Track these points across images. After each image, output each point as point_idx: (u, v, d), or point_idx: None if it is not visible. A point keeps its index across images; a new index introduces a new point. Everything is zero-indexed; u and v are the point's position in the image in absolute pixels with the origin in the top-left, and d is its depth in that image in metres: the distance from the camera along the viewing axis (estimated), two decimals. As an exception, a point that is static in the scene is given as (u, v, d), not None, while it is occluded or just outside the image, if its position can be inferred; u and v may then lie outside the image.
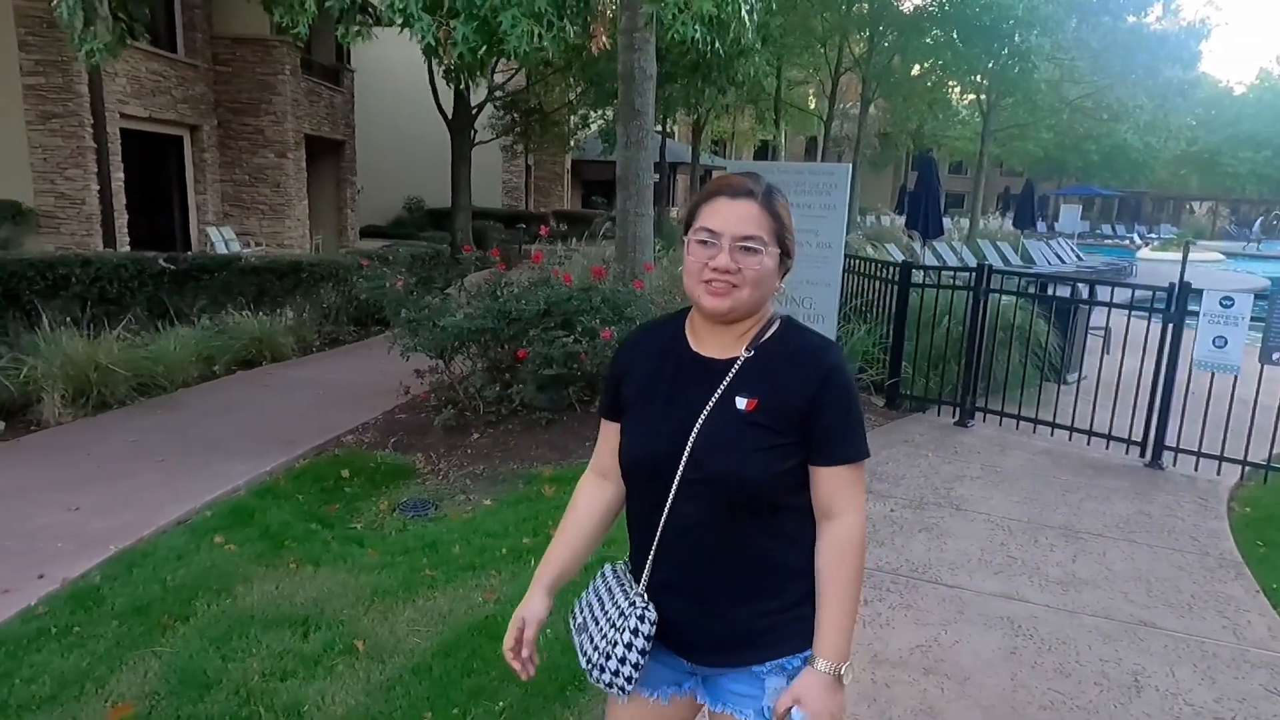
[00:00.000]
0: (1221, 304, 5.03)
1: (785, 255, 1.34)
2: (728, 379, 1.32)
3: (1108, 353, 7.20)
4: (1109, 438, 5.39)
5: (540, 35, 2.95)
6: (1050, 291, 6.81)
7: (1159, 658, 2.92)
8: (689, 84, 11.18)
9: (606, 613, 1.36)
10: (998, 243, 19.23)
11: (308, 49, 16.52)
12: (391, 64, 19.63)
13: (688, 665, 1.39)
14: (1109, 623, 3.16)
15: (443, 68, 8.83)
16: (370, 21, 4.15)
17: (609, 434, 1.46)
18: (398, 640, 2.84)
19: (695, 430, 1.30)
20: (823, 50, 19.92)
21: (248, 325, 7.64)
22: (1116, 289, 6.06)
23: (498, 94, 18.37)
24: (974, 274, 6.13)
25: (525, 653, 1.39)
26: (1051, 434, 5.64)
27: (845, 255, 7.07)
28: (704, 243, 1.30)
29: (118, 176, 12.53)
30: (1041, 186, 41.49)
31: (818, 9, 17.31)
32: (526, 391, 5.32)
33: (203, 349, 6.95)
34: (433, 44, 3.04)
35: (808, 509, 1.35)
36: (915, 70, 20.72)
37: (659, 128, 20.97)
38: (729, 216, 1.29)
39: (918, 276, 6.56)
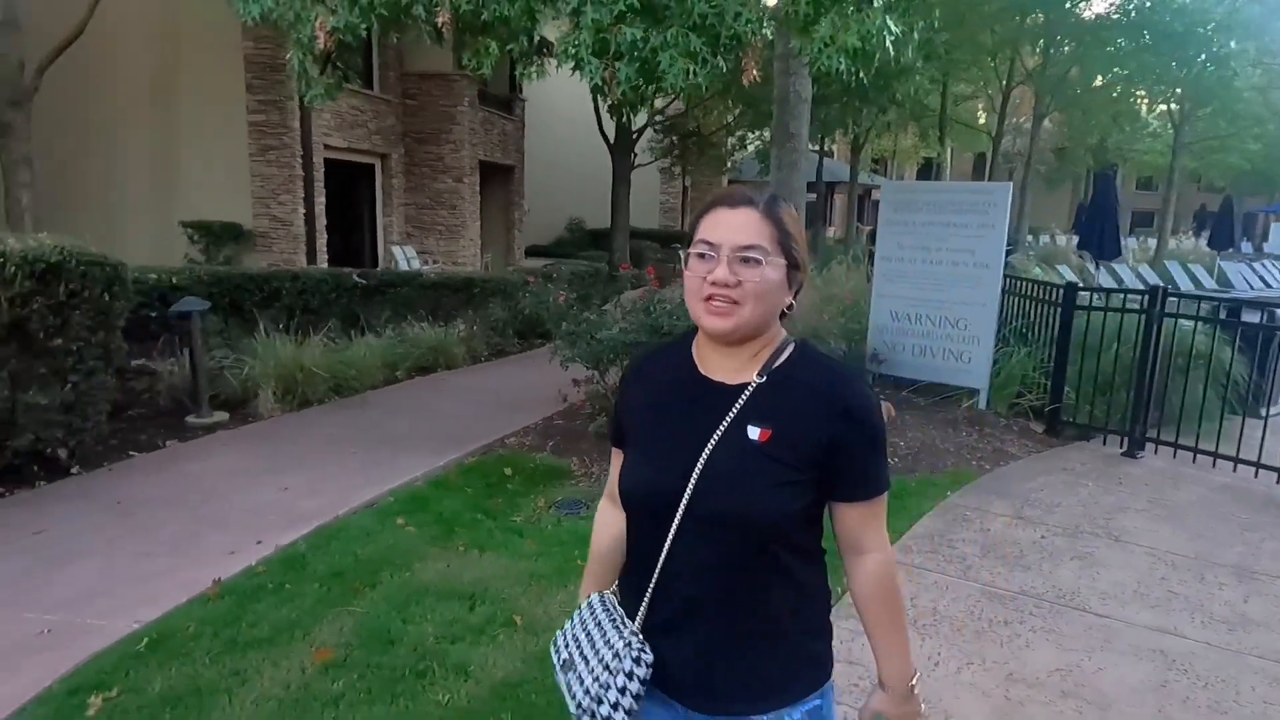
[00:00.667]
0: None
1: (794, 267, 1.24)
2: (738, 406, 1.23)
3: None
4: (1292, 474, 4.95)
5: (695, 71, 3.20)
6: (1239, 317, 6.31)
7: (1334, 706, 2.74)
8: (846, 105, 11.16)
9: (598, 652, 1.28)
10: (1189, 264, 17.68)
11: (484, 81, 17.80)
12: (558, 92, 20.70)
13: (684, 710, 1.29)
14: (1277, 664, 2.98)
15: (608, 102, 9.37)
16: (544, 62, 4.58)
17: (617, 460, 1.39)
18: (550, 618, 3.14)
19: (702, 462, 1.21)
20: (992, 64, 19.15)
21: (426, 336, 8.38)
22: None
23: (658, 119, 18.96)
24: (1146, 296, 5.81)
25: None
26: (1235, 469, 5.24)
27: (1005, 276, 6.88)
28: (702, 256, 1.21)
29: (319, 201, 14.01)
30: (1246, 203, 37.55)
31: (987, 22, 16.69)
32: (675, 403, 5.56)
33: (387, 356, 7.71)
34: (600, 84, 3.37)
35: (815, 547, 1.28)
36: (1097, 81, 19.49)
37: (816, 147, 20.88)
38: (727, 226, 1.20)
39: (1084, 298, 6.28)
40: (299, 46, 4.19)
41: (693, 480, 1.20)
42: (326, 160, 14.42)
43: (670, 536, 1.22)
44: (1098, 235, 11.50)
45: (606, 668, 1.24)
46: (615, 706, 1.22)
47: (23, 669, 2.72)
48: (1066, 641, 3.09)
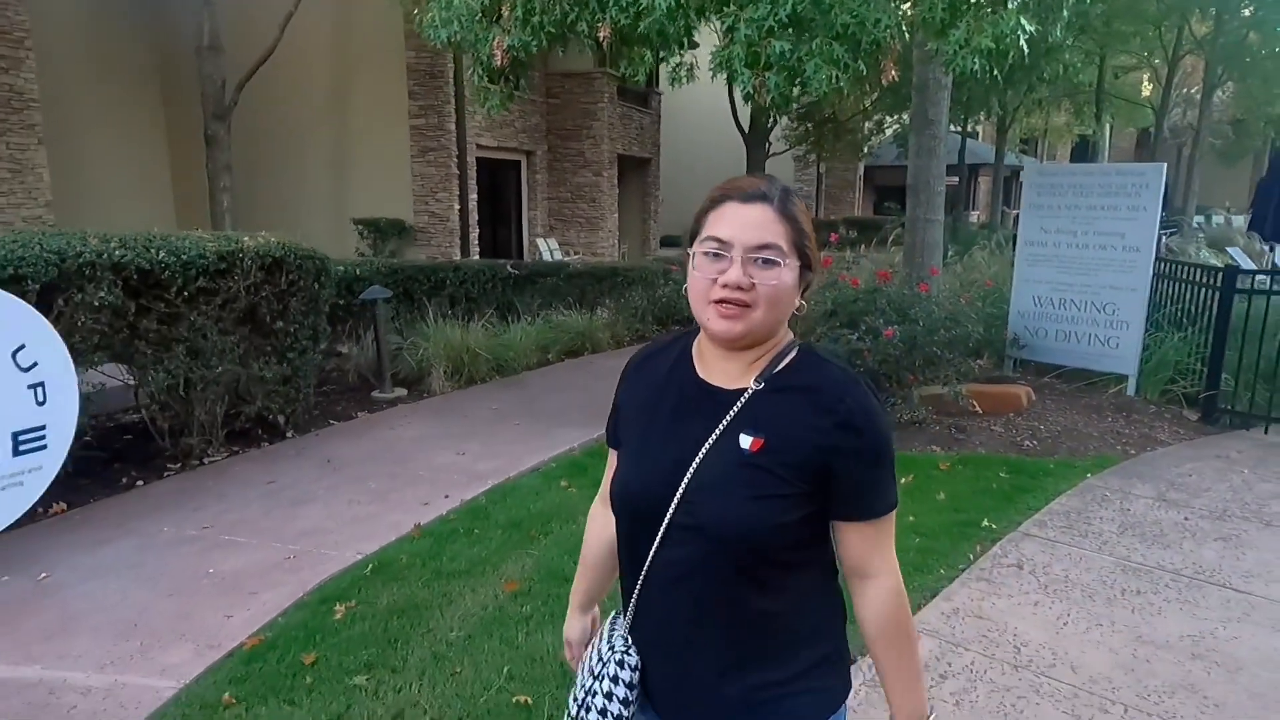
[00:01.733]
0: None
1: (806, 268, 1.16)
2: (732, 413, 1.15)
3: None
4: None
5: (838, 77, 3.46)
6: None
7: None
8: (990, 87, 10.91)
9: (588, 658, 1.27)
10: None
11: (623, 78, 18.42)
12: (692, 84, 21.14)
13: None
14: None
15: (749, 103, 9.67)
16: (693, 69, 4.97)
17: (612, 461, 1.34)
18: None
19: (691, 470, 1.14)
20: (1156, 33, 17.92)
21: (573, 321, 8.98)
22: None
23: (794, 107, 18.96)
24: (1316, 279, 5.55)
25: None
26: None
27: (1159, 259, 6.68)
28: (711, 255, 1.12)
29: (472, 197, 15.00)
30: None
31: (1151, -11, 15.68)
32: (812, 384, 5.82)
33: (540, 340, 8.35)
34: (750, 92, 3.70)
35: (826, 565, 1.21)
36: (1281, 46, 17.85)
37: (958, 128, 20.22)
38: (740, 223, 1.11)
39: (1245, 282, 6.04)
40: (478, 64, 4.76)
41: (680, 489, 1.14)
42: (477, 159, 15.41)
43: (655, 544, 1.16)
44: (1271, 215, 10.71)
45: (592, 673, 1.23)
46: (602, 712, 1.19)
47: (280, 583, 3.39)
48: (1201, 612, 3.18)
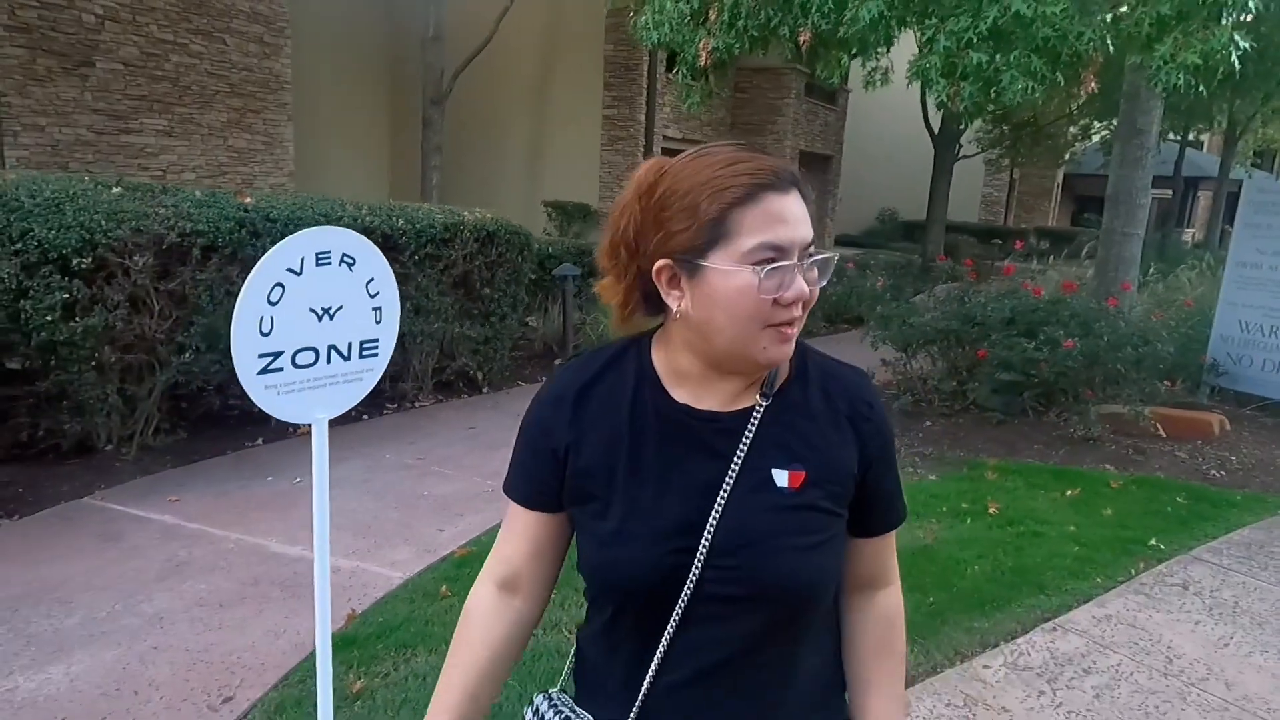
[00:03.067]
0: None
1: None
2: (746, 441, 0.92)
3: None
4: None
5: (1034, 88, 3.52)
6: None
7: None
8: (1212, 96, 10.08)
9: None
10: None
11: (811, 74, 18.39)
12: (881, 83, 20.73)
13: None
14: None
15: (941, 110, 9.55)
16: (888, 73, 5.10)
17: (529, 529, 1.00)
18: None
19: (714, 522, 0.89)
20: None
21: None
22: None
23: (985, 112, 18.18)
24: None
25: None
26: None
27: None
28: (772, 268, 0.85)
29: (655, 186, 15.60)
30: None
31: None
32: (981, 392, 5.81)
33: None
34: (945, 100, 3.83)
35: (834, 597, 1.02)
36: None
37: (1176, 137, 18.58)
38: (790, 219, 0.87)
39: None
40: (683, 64, 5.15)
41: (701, 550, 0.88)
42: (662, 149, 15.97)
43: (670, 630, 0.90)
44: None
45: None
46: None
47: (481, 510, 3.94)
48: (1386, 656, 3.05)
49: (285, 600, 3.01)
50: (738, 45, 4.75)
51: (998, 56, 3.43)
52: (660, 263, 0.89)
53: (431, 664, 2.61)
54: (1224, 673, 2.87)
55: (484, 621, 1.02)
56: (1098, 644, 3.00)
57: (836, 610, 1.04)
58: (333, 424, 5.32)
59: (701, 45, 4.77)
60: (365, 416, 5.40)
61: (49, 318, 3.57)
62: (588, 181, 15.37)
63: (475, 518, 3.84)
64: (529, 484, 1.00)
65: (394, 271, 4.89)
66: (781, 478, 0.92)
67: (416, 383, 5.76)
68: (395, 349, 5.21)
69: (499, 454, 4.78)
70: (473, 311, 5.85)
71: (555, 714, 1.00)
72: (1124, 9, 3.34)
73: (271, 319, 1.52)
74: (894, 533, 1.03)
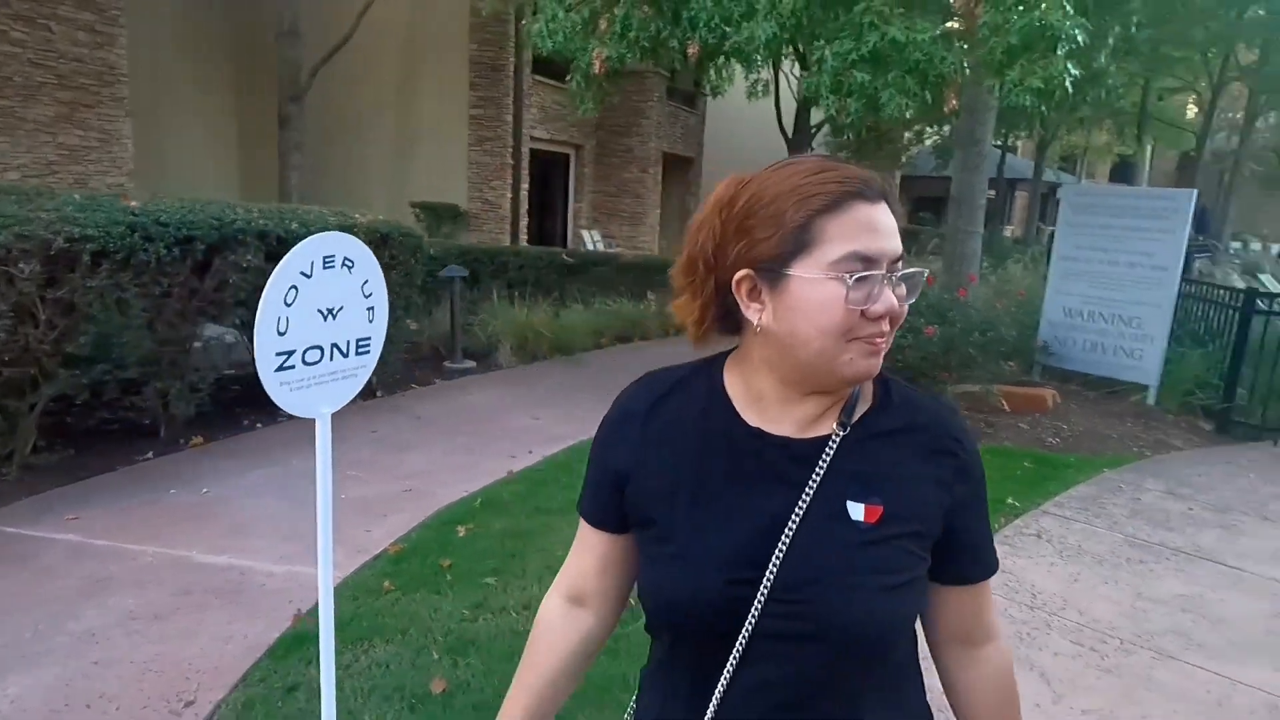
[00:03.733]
0: None
1: None
2: (820, 471, 0.89)
3: None
4: None
5: (908, 105, 3.99)
6: None
7: None
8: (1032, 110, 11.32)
9: None
10: None
11: (671, 78, 18.95)
12: (739, 88, 21.63)
13: None
14: (1393, 618, 3.45)
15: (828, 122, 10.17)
16: (769, 85, 5.53)
17: (597, 547, 1.01)
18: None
19: (780, 554, 0.86)
20: (1202, 59, 18.15)
21: (624, 309, 9.55)
22: None
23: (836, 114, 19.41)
24: (1330, 304, 5.99)
25: None
26: None
27: (1185, 279, 7.12)
28: (860, 278, 0.83)
29: (523, 187, 15.63)
30: None
31: (1199, 18, 15.93)
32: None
33: (594, 325, 8.93)
34: (833, 114, 4.25)
35: (912, 645, 0.99)
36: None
37: (997, 143, 20.56)
38: (880, 231, 0.85)
39: (1264, 305, 6.48)
40: (578, 72, 5.35)
41: (765, 584, 0.85)
42: (531, 150, 16.04)
43: (730, 666, 0.88)
44: (1303, 244, 11.02)
45: None
46: None
47: (403, 509, 3.99)
48: (1195, 580, 3.69)
49: (225, 607, 2.98)
50: (629, 55, 5.00)
51: (877, 76, 3.89)
52: (741, 273, 0.87)
53: (390, 653, 2.70)
54: (1077, 603, 3.39)
55: (551, 631, 1.04)
56: (976, 588, 3.46)
57: (917, 664, 0.99)
58: (231, 434, 5.15)
59: (595, 55, 5.00)
60: (259, 425, 5.26)
61: (-75, 331, 3.33)
62: (455, 182, 15.21)
63: (399, 517, 3.89)
64: (594, 502, 1.00)
65: (293, 275, 4.79)
66: (857, 511, 0.88)
67: (310, 389, 5.64)
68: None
69: (409, 456, 4.82)
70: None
71: None
72: (980, 38, 3.88)
73: (287, 319, 1.61)
74: (988, 583, 0.98)
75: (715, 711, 0.89)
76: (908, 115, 4.12)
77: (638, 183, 18.52)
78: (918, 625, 0.97)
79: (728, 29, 4.36)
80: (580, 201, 18.33)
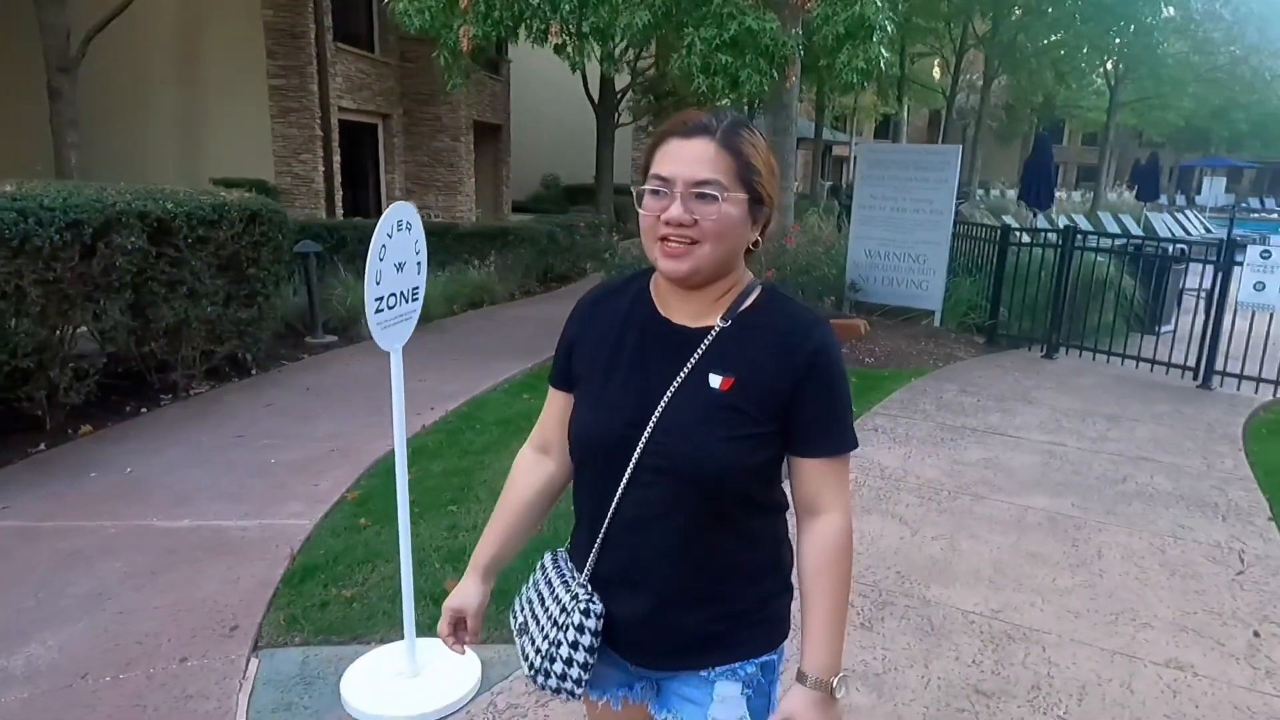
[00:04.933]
0: (1261, 255, 6.32)
1: (756, 201, 1.13)
2: (699, 351, 1.15)
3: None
4: (1168, 364, 6.77)
5: (762, 81, 4.72)
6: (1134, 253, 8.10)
7: (1148, 472, 4.50)
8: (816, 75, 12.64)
9: (548, 610, 1.24)
10: (1120, 215, 19.68)
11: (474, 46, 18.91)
12: (540, 54, 21.92)
13: (632, 667, 1.26)
14: (1119, 457, 4.74)
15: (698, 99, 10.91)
16: (626, 62, 5.97)
17: (555, 404, 1.31)
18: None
19: (660, 409, 1.13)
20: (946, 29, 20.76)
21: (471, 276, 9.84)
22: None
23: (639, 81, 20.25)
24: (1061, 235, 7.55)
25: (467, 640, 1.36)
26: (1122, 364, 7.05)
27: (955, 221, 8.57)
28: (656, 193, 1.11)
29: (335, 159, 15.17)
30: (1186, 157, 40.06)
31: (943, -7, 18.25)
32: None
33: (445, 293, 9.17)
34: (703, 91, 4.89)
35: (777, 505, 1.24)
36: (1044, 41, 21.21)
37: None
38: (681, 159, 1.09)
39: (1015, 238, 8.01)
40: (445, 48, 5.61)
41: (648, 429, 1.13)
42: (339, 121, 15.53)
43: (621, 487, 1.16)
44: (1035, 188, 13.31)
45: (555, 623, 1.22)
46: (569, 663, 1.20)
47: (339, 465, 4.27)
48: (990, 448, 4.82)
49: (217, 558, 3.22)
50: (494, 33, 5.36)
51: (738, 58, 4.57)
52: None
53: (391, 570, 3.10)
54: (913, 471, 4.38)
55: (524, 475, 1.35)
56: (840, 470, 4.36)
57: (784, 527, 1.26)
58: (118, 420, 5.10)
59: (462, 33, 5.30)
60: (144, 410, 5.21)
61: None
62: (260, 156, 14.50)
63: (339, 472, 4.18)
64: (555, 367, 1.31)
65: (168, 256, 4.83)
66: (715, 381, 1.13)
67: (186, 371, 5.61)
68: (164, 337, 5.08)
69: (315, 423, 5.03)
70: (242, 293, 5.81)
71: (553, 564, 1.30)
72: (814, 28, 4.68)
73: (380, 273, 2.02)
74: (836, 463, 1.17)
75: (610, 518, 1.18)
76: (763, 89, 4.86)
77: (450, 151, 18.42)
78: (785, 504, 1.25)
79: (616, 18, 4.84)
80: (392, 172, 17.98)
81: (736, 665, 1.21)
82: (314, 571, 3.08)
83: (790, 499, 1.24)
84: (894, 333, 7.87)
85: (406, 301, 2.21)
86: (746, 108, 19.84)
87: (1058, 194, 20.94)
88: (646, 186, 1.12)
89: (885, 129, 37.44)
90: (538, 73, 23.16)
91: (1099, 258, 7.79)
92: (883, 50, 4.71)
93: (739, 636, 1.21)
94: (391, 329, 2.16)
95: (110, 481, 3.99)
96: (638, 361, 1.19)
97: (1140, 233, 18.78)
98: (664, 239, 1.11)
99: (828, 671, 1.15)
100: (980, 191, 25.39)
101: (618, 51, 5.99)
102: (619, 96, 19.24)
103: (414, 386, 5.91)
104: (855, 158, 8.76)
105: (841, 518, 1.18)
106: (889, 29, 4.64)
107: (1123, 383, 6.57)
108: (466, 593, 1.34)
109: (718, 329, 1.15)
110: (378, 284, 2.03)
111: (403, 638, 2.54)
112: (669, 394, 1.14)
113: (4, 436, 4.46)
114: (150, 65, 14.05)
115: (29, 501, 3.72)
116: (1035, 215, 14.91)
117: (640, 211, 1.14)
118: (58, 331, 4.32)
